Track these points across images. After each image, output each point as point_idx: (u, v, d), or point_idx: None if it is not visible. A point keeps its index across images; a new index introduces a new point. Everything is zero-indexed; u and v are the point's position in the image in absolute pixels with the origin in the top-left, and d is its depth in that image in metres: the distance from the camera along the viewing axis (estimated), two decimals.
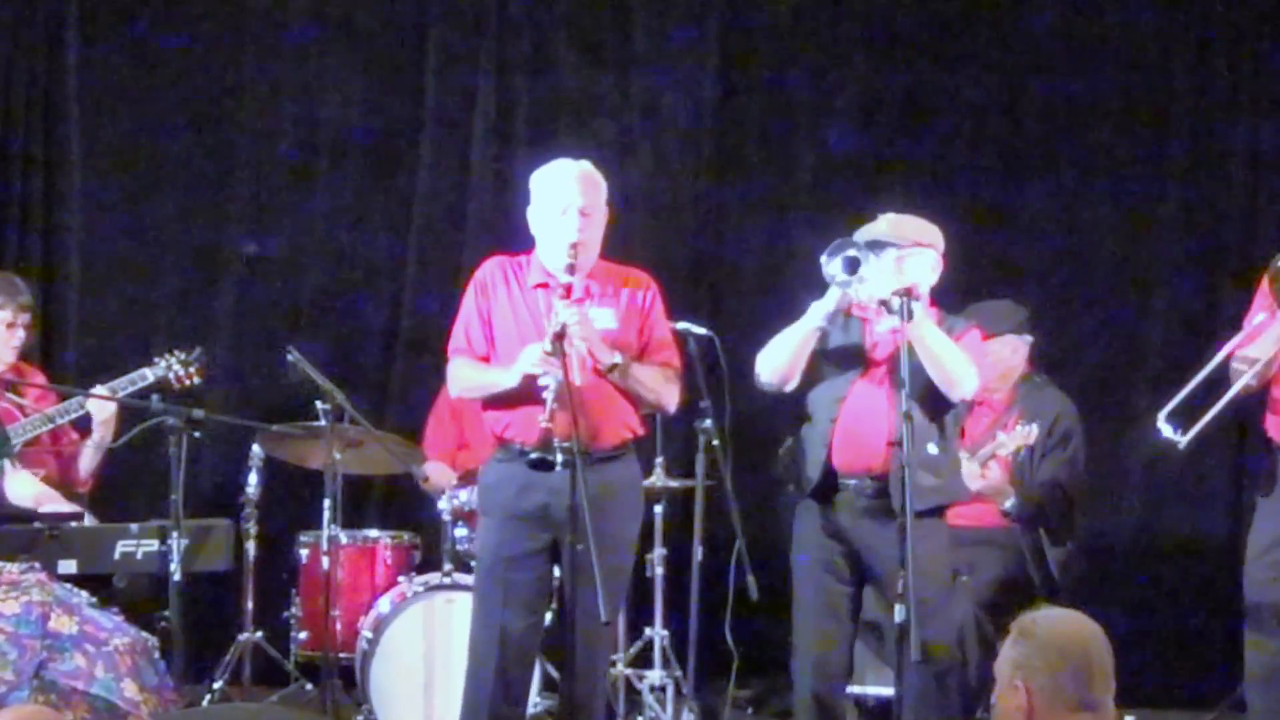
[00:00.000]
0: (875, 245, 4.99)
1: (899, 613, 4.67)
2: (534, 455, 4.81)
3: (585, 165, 4.95)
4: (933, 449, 4.93)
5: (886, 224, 5.10)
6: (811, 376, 5.09)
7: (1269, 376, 5.09)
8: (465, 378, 4.95)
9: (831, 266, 4.92)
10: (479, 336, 4.92)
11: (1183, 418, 5.08)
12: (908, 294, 4.84)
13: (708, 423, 5.71)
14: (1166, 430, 5.07)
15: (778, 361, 5.05)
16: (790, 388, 5.09)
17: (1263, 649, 5.16)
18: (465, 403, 5.88)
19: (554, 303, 4.75)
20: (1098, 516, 6.51)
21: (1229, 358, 5.12)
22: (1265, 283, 5.04)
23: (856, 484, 5.01)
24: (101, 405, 5.76)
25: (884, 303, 4.92)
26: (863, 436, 5.00)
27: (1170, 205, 7.05)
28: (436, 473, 6.48)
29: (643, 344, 4.94)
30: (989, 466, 5.82)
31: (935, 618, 4.83)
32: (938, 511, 5.02)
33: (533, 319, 4.85)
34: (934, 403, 4.99)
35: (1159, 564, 6.93)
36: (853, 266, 4.90)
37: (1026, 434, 5.77)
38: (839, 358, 5.09)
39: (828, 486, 5.03)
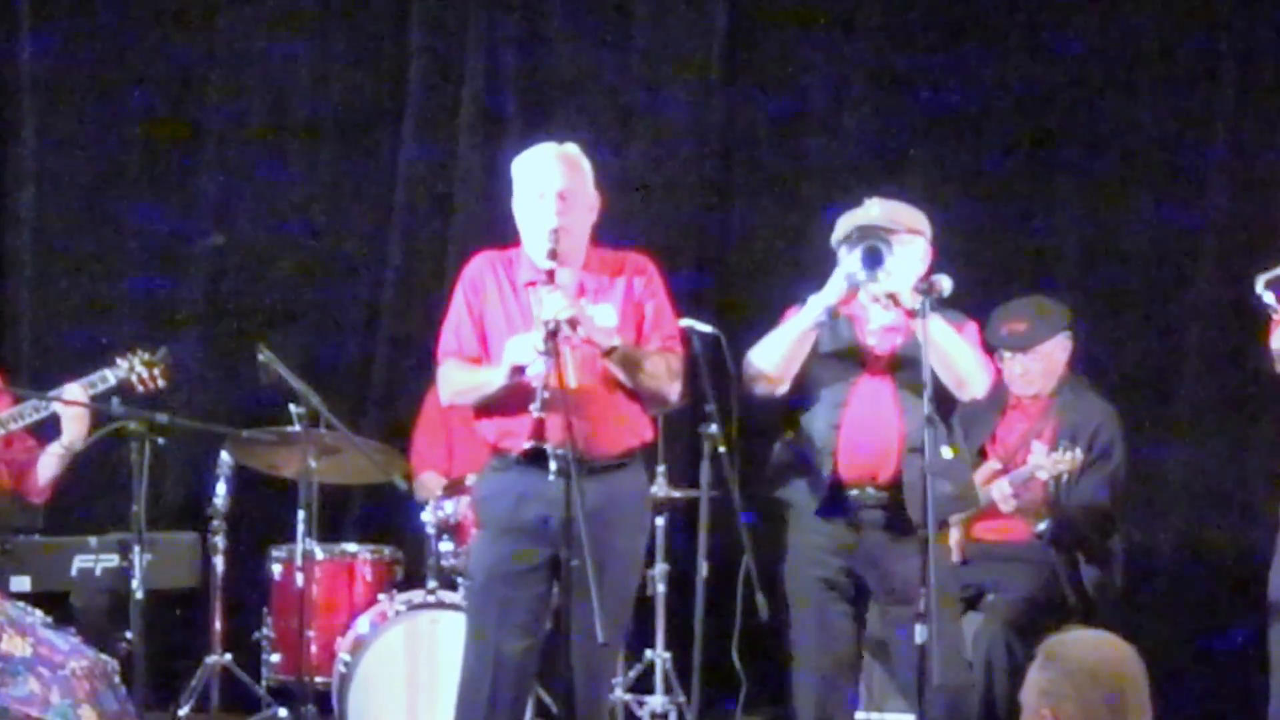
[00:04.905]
0: (872, 232, 4.92)
1: (920, 633, 4.67)
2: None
3: (567, 147, 4.95)
4: (947, 453, 4.85)
5: (878, 209, 5.04)
6: (802, 380, 5.06)
7: None
8: (457, 381, 4.94)
9: (850, 262, 4.89)
10: (470, 337, 4.92)
11: None
12: (930, 289, 4.79)
13: (713, 427, 5.70)
14: (1268, 297, 5.02)
15: (771, 363, 5.02)
16: (781, 392, 5.08)
17: None
18: (454, 408, 5.89)
19: (539, 291, 4.74)
20: (1136, 531, 6.52)
21: None
22: None
23: (859, 494, 5.00)
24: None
25: (892, 295, 4.86)
26: (870, 443, 5.00)
27: (1211, 197, 7.05)
28: (431, 482, 6.48)
29: (642, 330, 4.93)
30: (1022, 490, 5.79)
31: (945, 638, 4.79)
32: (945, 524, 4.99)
33: (524, 320, 4.84)
34: (938, 402, 4.88)
35: (1201, 581, 6.94)
36: (874, 260, 4.85)
37: (1071, 460, 5.69)
38: (834, 359, 5.06)
39: (833, 499, 5.03)
